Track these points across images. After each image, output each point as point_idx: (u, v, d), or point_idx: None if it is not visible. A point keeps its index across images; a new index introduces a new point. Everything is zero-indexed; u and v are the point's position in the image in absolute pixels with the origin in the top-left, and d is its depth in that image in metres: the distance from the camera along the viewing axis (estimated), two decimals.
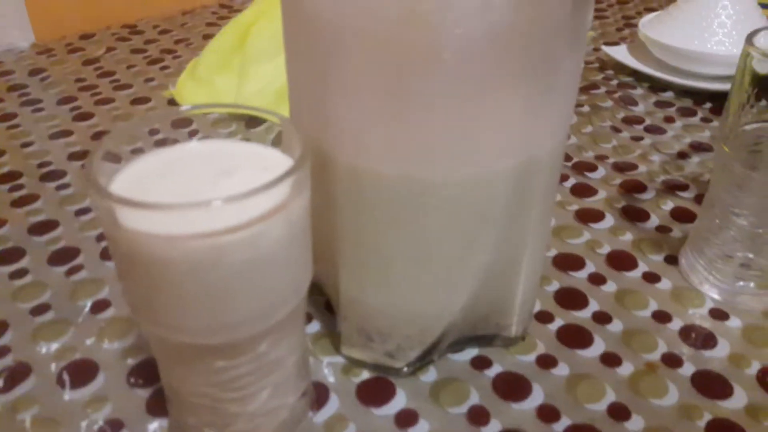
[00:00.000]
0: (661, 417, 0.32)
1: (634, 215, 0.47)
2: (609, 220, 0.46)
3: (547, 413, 0.32)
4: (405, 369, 0.34)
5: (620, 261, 0.42)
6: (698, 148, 0.55)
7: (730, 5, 0.62)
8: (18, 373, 0.34)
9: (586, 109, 0.62)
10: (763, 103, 0.35)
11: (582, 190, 0.50)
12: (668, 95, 0.64)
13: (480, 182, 0.28)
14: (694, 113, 0.61)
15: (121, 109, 0.62)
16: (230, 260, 0.23)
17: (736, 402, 0.33)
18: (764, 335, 0.37)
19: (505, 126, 0.27)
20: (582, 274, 0.41)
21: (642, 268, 0.42)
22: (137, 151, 0.26)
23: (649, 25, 0.66)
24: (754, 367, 0.35)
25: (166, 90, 0.65)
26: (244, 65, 0.59)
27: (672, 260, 0.42)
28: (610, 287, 0.40)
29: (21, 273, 0.41)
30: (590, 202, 0.48)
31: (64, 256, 0.43)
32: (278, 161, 0.26)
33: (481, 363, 0.35)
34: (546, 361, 0.35)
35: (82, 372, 0.35)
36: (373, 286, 0.32)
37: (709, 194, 0.39)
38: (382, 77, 0.26)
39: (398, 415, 0.32)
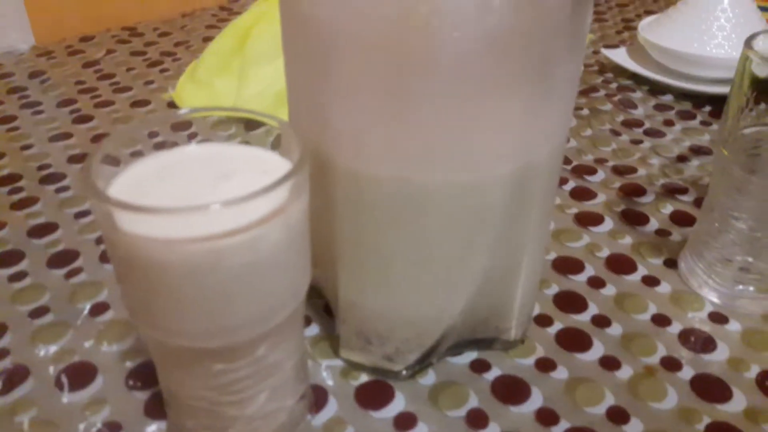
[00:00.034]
0: (660, 420, 0.32)
1: (633, 219, 0.47)
2: (608, 224, 0.46)
3: (546, 417, 0.32)
4: (404, 372, 0.34)
5: (619, 264, 0.42)
6: (698, 151, 0.55)
7: (730, 8, 0.62)
8: (16, 376, 0.34)
9: (585, 112, 0.62)
10: (762, 106, 0.35)
11: (581, 194, 0.50)
12: (668, 98, 0.64)
13: (479, 186, 0.28)
14: (693, 116, 0.61)
15: (121, 111, 0.62)
16: (229, 264, 0.23)
17: (736, 406, 0.33)
18: (763, 339, 0.37)
19: (503, 129, 0.27)
20: (581, 278, 0.41)
21: (641, 271, 0.42)
22: (136, 154, 0.26)
23: (649, 28, 0.66)
24: (754, 371, 0.35)
25: (165, 92, 0.65)
26: (243, 68, 0.59)
27: (671, 264, 0.42)
28: (609, 291, 0.40)
29: (20, 276, 0.41)
30: (589, 206, 0.48)
31: (63, 258, 0.43)
32: (277, 164, 0.26)
33: (480, 366, 0.35)
34: (545, 365, 0.35)
35: (80, 374, 0.35)
36: (372, 289, 0.32)
37: (709, 198, 0.39)
38: (380, 80, 0.26)
39: (397, 418, 0.32)
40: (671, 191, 0.50)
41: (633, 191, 0.50)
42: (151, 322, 0.25)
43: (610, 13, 0.87)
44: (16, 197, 0.49)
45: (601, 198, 0.49)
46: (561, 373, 0.35)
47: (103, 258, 0.43)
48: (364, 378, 0.34)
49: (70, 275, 0.41)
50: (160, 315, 0.24)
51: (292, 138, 0.26)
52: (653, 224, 0.46)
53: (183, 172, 0.26)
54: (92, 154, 0.24)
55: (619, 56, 0.69)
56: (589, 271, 0.42)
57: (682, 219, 0.47)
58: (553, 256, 0.43)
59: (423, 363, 0.34)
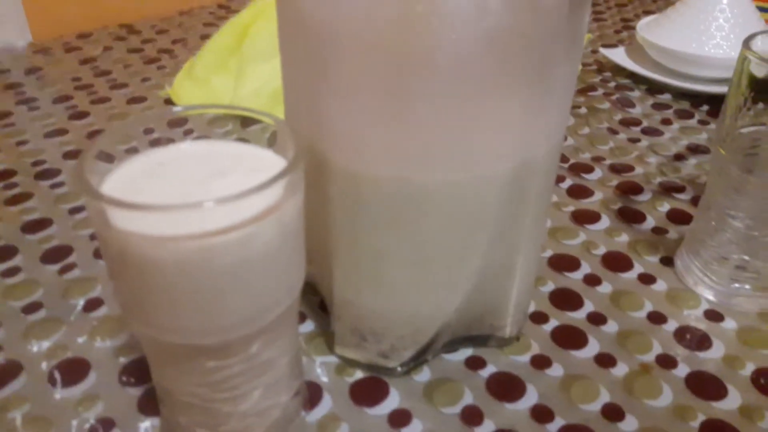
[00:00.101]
0: (655, 418, 0.32)
1: (630, 217, 0.47)
2: (605, 222, 0.46)
3: (541, 414, 0.32)
4: (399, 369, 0.34)
5: (616, 262, 0.42)
6: (695, 150, 0.55)
7: (728, 8, 0.62)
8: (9, 372, 0.34)
9: (583, 110, 0.62)
10: (760, 106, 0.35)
11: (578, 192, 0.50)
12: (665, 97, 0.64)
13: (476, 185, 0.28)
14: (691, 115, 0.61)
15: (117, 108, 0.62)
16: (222, 262, 0.23)
17: (730, 403, 0.33)
18: (759, 337, 0.37)
19: (501, 129, 0.27)
20: (577, 275, 0.41)
21: (637, 269, 0.42)
22: (131, 151, 0.26)
23: (647, 28, 0.66)
24: (749, 369, 0.35)
25: (162, 90, 0.65)
26: (241, 66, 0.59)
27: (667, 262, 0.42)
28: (605, 288, 0.40)
29: (13, 271, 0.41)
30: (586, 204, 0.48)
31: (56, 254, 0.43)
32: (272, 162, 0.26)
33: (475, 363, 0.35)
34: (540, 362, 0.35)
35: (73, 370, 0.34)
36: (367, 288, 0.31)
37: (706, 196, 0.39)
38: (377, 80, 0.26)
39: (391, 414, 0.32)
40: (668, 189, 0.50)
41: (630, 189, 0.50)
42: (144, 319, 0.25)
43: (609, 13, 0.87)
44: (10, 193, 0.49)
45: (598, 196, 0.49)
46: (556, 371, 0.34)
47: (97, 254, 0.43)
48: (358, 375, 0.34)
49: (63, 271, 0.41)
50: (153, 312, 0.24)
51: (287, 136, 0.26)
52: (650, 222, 0.46)
53: (177, 169, 0.26)
54: (86, 151, 0.24)
55: (618, 56, 0.69)
56: (585, 269, 0.42)
57: (678, 217, 0.46)
58: (549, 253, 0.43)
59: (418, 360, 0.34)
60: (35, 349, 0.36)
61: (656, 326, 0.37)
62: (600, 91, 0.66)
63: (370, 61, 0.25)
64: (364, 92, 0.26)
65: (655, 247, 0.43)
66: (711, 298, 0.39)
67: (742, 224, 0.37)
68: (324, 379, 0.34)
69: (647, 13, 0.84)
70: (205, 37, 0.75)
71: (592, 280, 0.41)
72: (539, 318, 0.38)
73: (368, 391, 0.33)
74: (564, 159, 0.54)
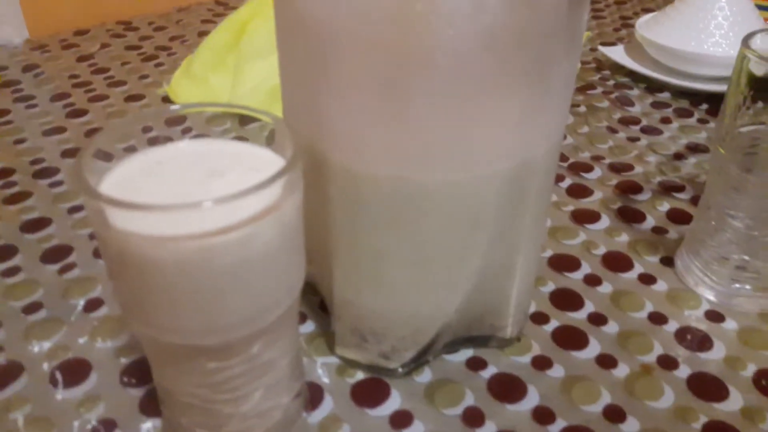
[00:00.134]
0: (656, 419, 0.32)
1: (630, 216, 0.47)
2: (605, 221, 0.46)
3: (542, 415, 0.32)
4: (400, 370, 0.34)
5: (616, 262, 0.42)
6: (695, 149, 0.55)
7: (727, 6, 0.62)
8: (10, 372, 0.34)
9: (582, 109, 0.62)
10: (760, 105, 0.34)
11: (578, 191, 0.50)
12: (665, 96, 0.64)
13: (475, 184, 0.28)
14: (690, 114, 0.61)
15: (115, 106, 0.61)
16: (221, 262, 0.23)
17: (732, 404, 0.33)
18: (760, 337, 0.37)
19: (500, 128, 0.27)
20: (577, 275, 0.41)
21: (638, 269, 0.42)
22: (129, 149, 0.26)
23: (646, 26, 0.66)
24: (750, 370, 0.35)
25: (160, 87, 0.64)
26: (238, 63, 0.59)
27: (668, 262, 0.42)
28: (605, 288, 0.40)
29: (13, 271, 0.41)
30: (586, 203, 0.48)
31: (56, 253, 0.42)
32: (270, 161, 0.26)
33: (476, 364, 0.35)
34: (541, 363, 0.35)
35: (74, 371, 0.34)
36: (367, 288, 0.31)
37: (705, 196, 0.39)
38: (375, 79, 0.25)
39: (393, 416, 0.32)
40: (668, 189, 0.50)
41: (630, 189, 0.50)
42: (144, 319, 0.25)
43: (608, 11, 0.87)
44: (8, 192, 0.49)
45: (597, 195, 0.49)
46: (557, 372, 0.34)
47: (97, 253, 0.42)
48: (359, 375, 0.34)
49: (63, 270, 0.41)
50: (152, 312, 0.24)
51: (285, 135, 0.26)
52: (650, 222, 0.46)
53: (176, 168, 0.26)
54: (84, 150, 0.24)
55: (617, 54, 0.69)
56: (586, 269, 0.42)
57: (678, 217, 0.46)
58: (549, 253, 0.43)
59: (419, 361, 0.34)
60: (36, 349, 0.35)
61: (657, 327, 0.37)
62: (599, 90, 0.65)
63: (370, 60, 0.25)
64: (364, 91, 0.26)
65: (655, 247, 0.43)
66: (711, 298, 0.39)
67: (742, 224, 0.37)
68: (325, 380, 0.34)
69: (646, 11, 0.84)
70: (203, 34, 0.75)
71: (592, 281, 0.41)
72: (540, 318, 0.38)
73: (369, 392, 0.33)
74: (563, 158, 0.54)
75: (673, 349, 0.36)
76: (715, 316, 0.38)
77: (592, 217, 0.46)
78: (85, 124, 0.58)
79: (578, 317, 0.38)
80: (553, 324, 0.37)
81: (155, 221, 0.22)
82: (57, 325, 0.37)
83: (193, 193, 0.24)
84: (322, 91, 0.27)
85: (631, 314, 0.38)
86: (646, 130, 0.58)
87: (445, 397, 0.33)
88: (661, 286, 0.40)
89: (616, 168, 0.52)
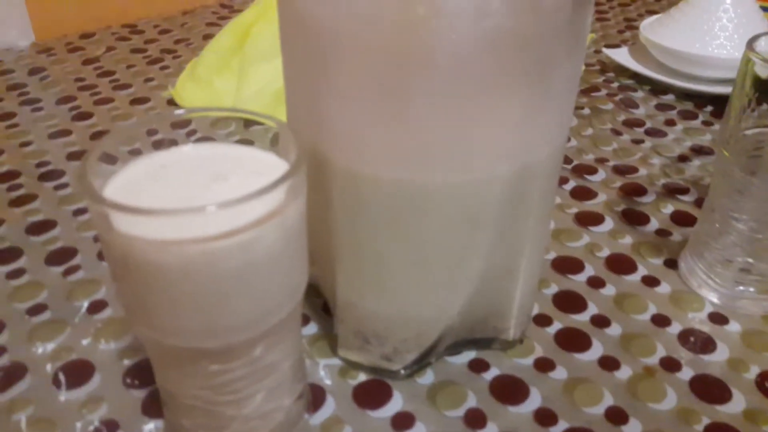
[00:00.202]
0: (659, 421, 0.32)
1: (633, 218, 0.47)
2: (609, 224, 0.46)
3: (545, 417, 0.32)
4: (402, 371, 0.34)
5: (619, 264, 0.42)
6: (699, 151, 0.55)
7: (732, 8, 0.62)
8: (14, 374, 0.34)
9: (586, 111, 0.62)
10: (764, 107, 0.34)
11: (582, 193, 0.49)
12: (669, 98, 0.64)
13: (476, 186, 0.28)
14: (695, 116, 0.61)
15: (121, 109, 0.62)
16: (224, 266, 0.23)
17: (735, 407, 0.33)
18: (764, 340, 0.36)
19: (502, 131, 0.27)
20: (581, 278, 0.41)
21: (641, 271, 0.42)
22: (134, 153, 0.26)
23: (651, 28, 0.66)
24: (753, 372, 0.35)
25: (165, 90, 0.65)
26: (243, 66, 0.59)
27: (671, 264, 0.42)
28: (609, 291, 0.40)
29: (18, 273, 0.41)
30: (590, 205, 0.48)
31: (61, 256, 0.43)
32: (274, 165, 0.26)
33: (478, 366, 0.35)
34: (544, 365, 0.35)
35: (78, 372, 0.34)
36: (370, 290, 0.31)
37: (710, 198, 0.39)
38: (376, 80, 0.26)
39: (395, 417, 0.32)
40: (672, 191, 0.50)
41: (634, 191, 0.50)
42: (147, 321, 0.25)
43: (612, 13, 0.87)
44: (14, 194, 0.49)
45: (601, 198, 0.49)
46: (560, 373, 0.34)
47: (101, 256, 0.43)
48: (362, 377, 0.34)
49: (68, 273, 0.41)
50: (155, 315, 0.24)
51: (289, 139, 0.26)
52: (654, 224, 0.46)
53: (180, 172, 0.26)
54: (88, 154, 0.24)
55: (621, 56, 0.69)
56: (589, 271, 0.42)
57: (682, 219, 0.46)
58: (552, 255, 0.43)
59: (421, 363, 0.34)
60: (40, 351, 0.36)
61: (660, 329, 0.37)
62: (603, 92, 0.65)
63: (371, 62, 0.25)
64: (365, 93, 0.26)
65: (659, 250, 0.43)
66: (715, 300, 0.39)
67: (746, 227, 0.37)
68: (327, 381, 0.34)
69: (651, 12, 0.84)
70: (208, 36, 0.75)
71: (595, 283, 0.41)
72: (543, 320, 0.38)
73: (371, 394, 0.33)
74: (567, 160, 0.53)
75: (676, 351, 0.36)
76: (718, 319, 0.38)
77: (595, 219, 0.46)
78: (91, 127, 0.58)
79: (581, 319, 0.38)
80: (556, 326, 0.37)
81: (159, 225, 0.22)
82: (61, 326, 0.37)
83: (197, 197, 0.25)
84: (323, 91, 0.27)
85: (635, 316, 0.38)
86: (650, 133, 0.58)
87: (447, 399, 0.33)
88: (664, 288, 0.40)
89: (620, 170, 0.52)
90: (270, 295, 0.25)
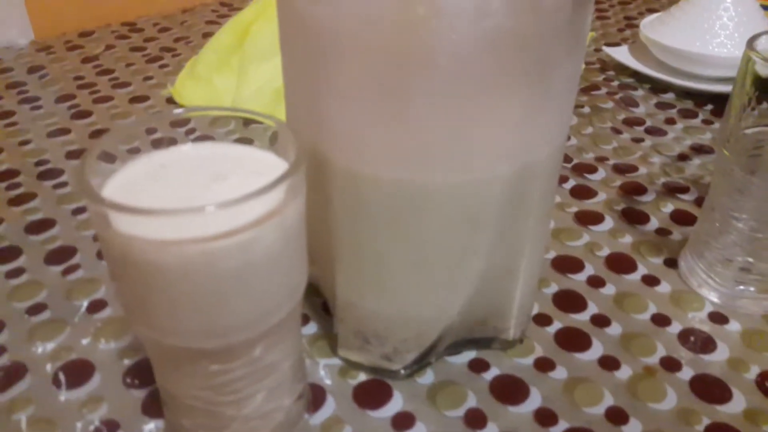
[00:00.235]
0: (659, 421, 0.32)
1: (633, 218, 0.46)
2: (608, 223, 0.46)
3: (545, 417, 0.32)
4: (402, 371, 0.34)
5: (619, 264, 0.42)
6: (699, 150, 0.55)
7: (732, 7, 0.62)
8: (14, 373, 0.34)
9: (586, 110, 0.62)
10: (765, 106, 0.34)
11: (581, 192, 0.49)
12: (669, 97, 0.64)
13: (477, 187, 0.28)
14: (695, 115, 0.61)
15: (120, 107, 0.62)
16: (224, 265, 0.23)
17: (735, 406, 0.33)
18: (764, 339, 0.36)
19: (502, 131, 0.27)
20: (581, 277, 0.41)
21: (641, 271, 0.41)
22: (134, 151, 0.26)
23: (651, 26, 0.66)
24: (753, 372, 0.35)
25: (164, 88, 0.65)
26: (243, 64, 0.59)
27: (671, 263, 0.42)
28: (609, 290, 0.40)
29: (17, 272, 0.41)
30: (590, 204, 0.48)
31: (60, 255, 0.43)
32: (273, 165, 0.26)
33: (478, 366, 0.35)
34: (544, 365, 0.35)
35: (77, 372, 0.34)
36: (369, 290, 0.31)
37: (710, 197, 0.39)
38: (376, 80, 0.25)
39: (395, 417, 0.32)
40: (672, 190, 0.50)
41: (633, 190, 0.50)
42: (147, 321, 0.25)
43: (612, 11, 0.87)
44: (13, 193, 0.49)
45: (601, 197, 0.49)
46: (560, 373, 0.34)
47: (101, 255, 0.42)
48: (362, 377, 0.34)
49: (67, 272, 0.41)
50: (155, 315, 0.24)
51: (288, 138, 0.26)
52: (654, 223, 0.46)
53: (179, 171, 0.26)
54: (87, 152, 0.24)
55: (621, 54, 0.69)
56: (589, 271, 0.41)
57: (682, 218, 0.46)
58: (552, 254, 0.43)
59: (421, 362, 0.34)
60: (39, 350, 0.36)
61: (660, 329, 0.37)
62: (603, 90, 0.65)
63: (370, 61, 0.25)
64: (365, 93, 0.26)
65: (659, 249, 0.43)
66: (715, 300, 0.39)
67: (746, 226, 0.37)
68: (327, 381, 0.34)
69: (651, 11, 0.84)
70: (207, 35, 0.75)
71: (595, 282, 0.40)
72: (543, 320, 0.38)
73: (371, 394, 0.33)
74: (567, 159, 0.53)
75: (676, 350, 0.36)
76: (718, 318, 0.38)
77: (595, 218, 0.46)
78: (90, 126, 0.58)
79: (581, 319, 0.38)
80: (556, 326, 0.37)
81: (158, 225, 0.22)
82: (60, 326, 0.37)
83: (196, 197, 0.24)
84: (323, 91, 0.27)
85: (635, 316, 0.38)
86: (650, 131, 0.58)
87: (447, 399, 0.33)
88: (664, 287, 0.40)
89: (620, 169, 0.52)
90: (269, 295, 0.25)
